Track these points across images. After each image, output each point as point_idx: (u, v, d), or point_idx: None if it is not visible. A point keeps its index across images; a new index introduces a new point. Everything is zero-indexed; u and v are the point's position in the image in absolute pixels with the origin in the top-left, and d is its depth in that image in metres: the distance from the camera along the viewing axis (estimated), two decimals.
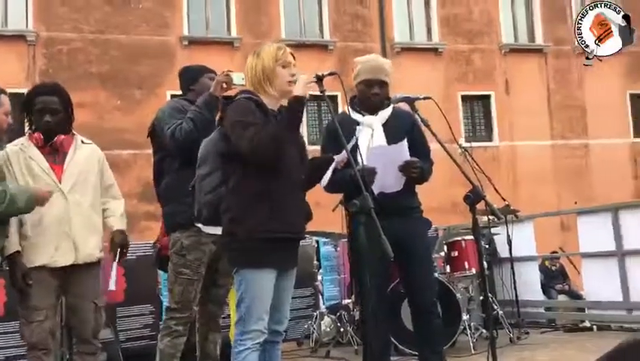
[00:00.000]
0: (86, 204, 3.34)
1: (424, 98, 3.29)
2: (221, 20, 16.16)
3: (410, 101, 3.28)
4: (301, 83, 2.66)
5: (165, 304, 3.60)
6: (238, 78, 3.26)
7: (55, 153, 3.32)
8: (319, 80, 2.73)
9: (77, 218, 3.29)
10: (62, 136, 3.34)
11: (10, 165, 3.24)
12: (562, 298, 8.96)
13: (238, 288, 2.66)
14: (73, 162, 3.35)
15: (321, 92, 2.74)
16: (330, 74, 2.76)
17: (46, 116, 3.29)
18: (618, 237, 5.89)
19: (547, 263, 9.58)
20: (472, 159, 3.18)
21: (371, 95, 3.46)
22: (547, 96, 18.20)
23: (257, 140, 2.56)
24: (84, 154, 3.42)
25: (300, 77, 2.69)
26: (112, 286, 3.51)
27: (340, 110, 10.74)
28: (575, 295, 8.81)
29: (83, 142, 3.46)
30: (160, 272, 5.33)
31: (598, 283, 6.20)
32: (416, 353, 3.67)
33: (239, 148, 2.61)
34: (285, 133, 2.63)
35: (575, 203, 15.48)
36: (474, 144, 11.76)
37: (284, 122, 2.66)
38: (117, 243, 3.44)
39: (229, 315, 4.56)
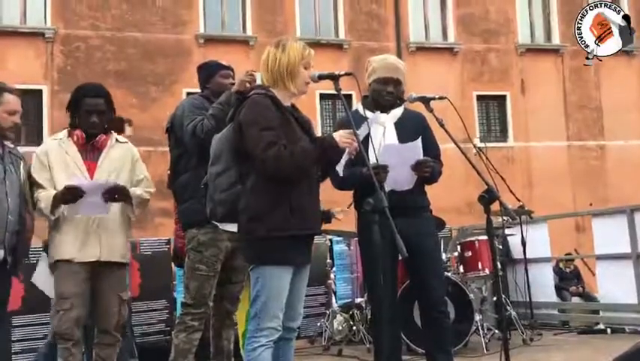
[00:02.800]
0: (115, 203, 3.38)
1: (440, 98, 3.30)
2: (237, 19, 16.22)
3: (426, 100, 3.30)
4: (344, 138, 2.64)
5: (181, 299, 3.64)
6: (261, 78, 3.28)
7: (91, 151, 3.42)
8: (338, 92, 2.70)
9: (106, 216, 3.35)
10: (104, 136, 3.44)
11: (48, 158, 3.36)
12: (575, 300, 8.90)
13: (254, 285, 2.66)
14: (107, 160, 3.44)
15: (337, 90, 2.75)
16: (347, 74, 2.77)
17: (93, 117, 3.40)
18: (634, 239, 5.83)
19: (561, 265, 9.53)
20: (487, 159, 3.18)
21: (386, 93, 3.46)
22: (564, 97, 18.05)
23: (275, 155, 2.54)
24: (118, 153, 3.50)
25: (344, 132, 2.66)
26: None
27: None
28: (589, 298, 8.74)
29: (117, 140, 3.54)
30: (175, 269, 5.39)
31: (612, 286, 6.14)
32: None
33: (251, 152, 2.61)
34: (310, 167, 2.67)
35: (591, 205, 15.37)
36: (488, 144, 11.71)
37: (314, 157, 2.65)
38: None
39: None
